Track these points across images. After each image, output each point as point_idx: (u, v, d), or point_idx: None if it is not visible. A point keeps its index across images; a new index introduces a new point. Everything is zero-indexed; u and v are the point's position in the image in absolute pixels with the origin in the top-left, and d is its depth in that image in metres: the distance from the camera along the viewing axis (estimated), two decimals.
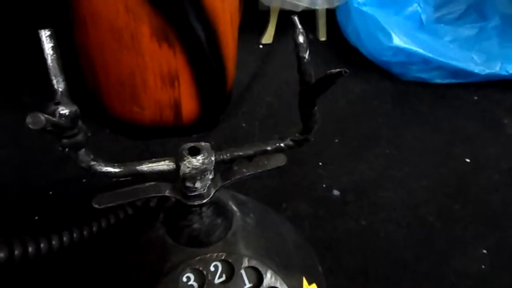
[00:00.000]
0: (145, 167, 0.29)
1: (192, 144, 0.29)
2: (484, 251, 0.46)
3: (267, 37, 0.74)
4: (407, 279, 0.43)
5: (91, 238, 0.39)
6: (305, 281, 0.34)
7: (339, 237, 0.46)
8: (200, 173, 0.29)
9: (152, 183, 0.31)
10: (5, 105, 0.57)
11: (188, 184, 0.30)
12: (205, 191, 0.31)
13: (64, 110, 0.23)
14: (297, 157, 0.53)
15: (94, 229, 0.40)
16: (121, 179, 0.29)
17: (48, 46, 0.22)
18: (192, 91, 0.50)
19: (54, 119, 0.22)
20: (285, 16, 0.75)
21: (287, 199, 0.49)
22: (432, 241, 0.46)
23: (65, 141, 0.24)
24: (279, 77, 0.68)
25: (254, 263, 0.31)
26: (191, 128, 0.53)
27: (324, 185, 0.51)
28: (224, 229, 0.34)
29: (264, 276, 0.31)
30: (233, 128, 0.57)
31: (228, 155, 0.30)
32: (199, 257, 0.31)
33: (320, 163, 0.53)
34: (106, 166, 0.28)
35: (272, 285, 0.31)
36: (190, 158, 0.29)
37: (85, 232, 0.40)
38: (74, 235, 0.39)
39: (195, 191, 0.30)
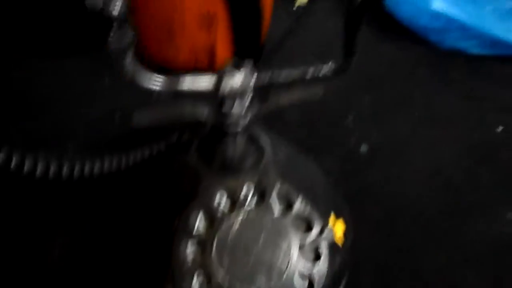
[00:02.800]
0: (187, 83, 0.30)
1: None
2: (508, 216, 0.46)
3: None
4: (429, 233, 0.43)
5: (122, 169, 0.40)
6: (333, 215, 0.34)
7: (365, 190, 0.46)
8: (239, 93, 0.29)
9: (192, 103, 0.32)
10: None
11: (226, 109, 0.31)
12: (241, 118, 0.31)
13: None
14: (327, 110, 0.53)
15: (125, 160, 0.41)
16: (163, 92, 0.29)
17: None
18: (227, 37, 0.50)
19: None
20: None
21: (314, 151, 0.49)
22: (457, 202, 0.46)
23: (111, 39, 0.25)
24: (312, 38, 0.67)
25: (285, 190, 0.32)
26: None
27: (352, 140, 0.51)
28: (256, 160, 0.34)
29: (294, 204, 0.31)
30: None
31: (267, 78, 0.30)
32: (231, 180, 0.32)
33: (350, 118, 0.53)
34: (145, 75, 0.29)
35: (302, 213, 0.31)
36: (232, 75, 0.29)
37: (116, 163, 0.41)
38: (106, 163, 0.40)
39: (231, 117, 0.31)
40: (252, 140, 0.34)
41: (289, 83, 0.31)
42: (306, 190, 0.33)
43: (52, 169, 0.36)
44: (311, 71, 0.31)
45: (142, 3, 0.48)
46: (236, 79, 0.29)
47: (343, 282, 0.34)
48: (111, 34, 0.25)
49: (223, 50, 0.54)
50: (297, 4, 0.73)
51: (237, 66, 0.29)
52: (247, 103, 0.30)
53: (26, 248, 0.40)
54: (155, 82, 0.29)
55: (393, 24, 0.70)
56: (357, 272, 0.38)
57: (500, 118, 0.56)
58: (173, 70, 0.56)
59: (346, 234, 0.35)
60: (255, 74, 0.30)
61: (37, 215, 0.42)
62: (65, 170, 0.37)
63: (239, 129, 0.31)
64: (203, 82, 0.30)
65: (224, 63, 0.57)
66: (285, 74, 0.31)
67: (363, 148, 0.50)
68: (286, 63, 0.60)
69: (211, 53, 0.53)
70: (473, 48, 0.65)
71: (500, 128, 0.55)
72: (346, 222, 0.36)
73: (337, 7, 0.75)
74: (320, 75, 0.31)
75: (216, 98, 0.30)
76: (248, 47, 0.55)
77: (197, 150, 0.35)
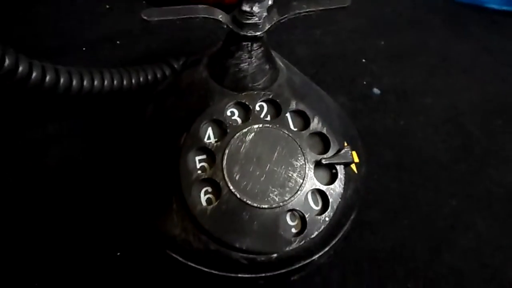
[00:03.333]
0: None
1: None
2: None
3: None
4: (440, 178, 0.42)
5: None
6: (346, 144, 0.32)
7: (376, 131, 0.44)
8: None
9: (206, 5, 0.29)
10: None
11: (245, 7, 0.28)
12: (261, 20, 0.29)
13: None
14: (340, 50, 0.51)
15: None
16: None
17: None
18: None
19: None
20: None
21: (327, 90, 0.47)
22: (470, 148, 0.45)
23: None
24: None
25: (301, 107, 0.30)
26: None
27: (365, 82, 0.49)
28: (270, 79, 0.32)
29: (311, 121, 0.29)
30: None
31: None
32: (244, 94, 0.30)
33: (363, 60, 0.51)
34: None
35: (319, 130, 0.29)
36: None
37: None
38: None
39: (251, 17, 0.28)
40: (267, 56, 0.32)
41: None
42: (321, 114, 0.31)
43: (62, 80, 0.34)
44: None
45: None
46: None
47: (354, 213, 0.33)
48: None
49: None
50: None
51: None
52: (269, 3, 0.28)
53: (24, 149, 0.38)
54: None
55: None
56: (366, 207, 0.36)
57: None
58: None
59: (359, 166, 0.33)
60: None
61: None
62: (74, 82, 0.35)
63: (258, 33, 0.29)
64: None
65: None
66: None
67: (375, 90, 0.48)
68: None
69: None
70: (490, 2, 0.63)
71: None
72: (359, 155, 0.34)
73: None
74: None
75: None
76: None
77: (206, 66, 0.33)
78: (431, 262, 0.36)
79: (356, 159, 0.33)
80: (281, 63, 0.34)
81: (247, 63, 0.31)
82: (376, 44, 0.53)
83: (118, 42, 0.47)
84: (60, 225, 0.34)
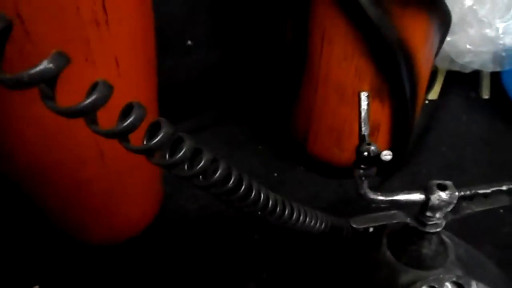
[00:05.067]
0: (401, 197, 0.37)
1: (439, 182, 0.37)
2: None
3: (433, 94, 0.81)
4: None
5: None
6: None
7: None
8: (444, 205, 0.36)
9: (395, 211, 0.39)
10: None
11: (429, 214, 0.37)
12: (440, 221, 0.38)
13: (374, 148, 0.32)
14: None
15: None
16: (381, 205, 0.37)
17: (364, 104, 0.32)
18: (387, 140, 0.58)
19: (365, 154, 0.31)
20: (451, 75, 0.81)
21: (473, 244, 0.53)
22: None
23: (361, 171, 0.33)
24: (448, 130, 0.73)
25: (481, 287, 0.37)
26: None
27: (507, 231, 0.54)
28: (444, 257, 0.40)
29: None
30: (413, 173, 0.63)
31: (468, 192, 0.37)
32: (433, 277, 0.38)
33: (501, 211, 0.57)
34: (374, 194, 0.37)
35: None
36: (440, 192, 0.36)
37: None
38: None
39: (433, 220, 0.37)
40: (440, 240, 0.40)
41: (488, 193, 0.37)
42: (488, 282, 0.38)
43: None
44: (506, 185, 0.37)
45: (322, 111, 0.58)
46: (444, 195, 0.36)
47: None
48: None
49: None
50: (429, 97, 0.80)
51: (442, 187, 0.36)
52: (448, 210, 0.37)
53: None
54: (377, 197, 0.37)
55: None
56: None
57: None
58: (335, 168, 0.64)
59: None
60: (457, 190, 0.36)
61: None
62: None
63: (438, 230, 0.37)
64: (414, 197, 0.37)
65: None
66: (484, 188, 0.37)
67: None
68: (432, 157, 0.66)
69: None
70: None
71: None
72: None
73: (466, 101, 0.81)
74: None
75: (420, 208, 0.37)
76: (402, 146, 0.62)
77: (387, 247, 0.42)
78: None
79: None
80: (447, 239, 0.42)
81: (427, 249, 0.39)
82: None
83: None
84: None
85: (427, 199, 0.36)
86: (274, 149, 0.66)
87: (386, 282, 0.40)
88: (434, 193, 0.36)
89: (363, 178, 0.35)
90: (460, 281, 0.37)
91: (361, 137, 0.34)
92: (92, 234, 0.48)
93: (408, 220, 0.38)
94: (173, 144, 0.23)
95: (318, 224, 0.40)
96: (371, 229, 0.38)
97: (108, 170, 0.41)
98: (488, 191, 0.37)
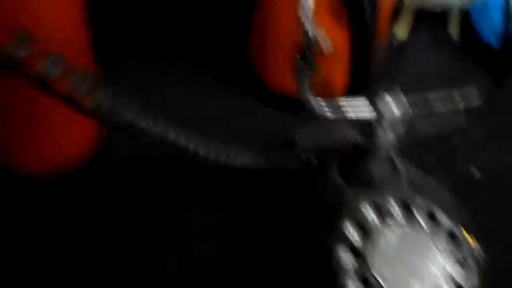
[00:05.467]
0: (347, 104, 0.34)
1: (391, 95, 0.34)
2: None
3: (402, 33, 0.77)
4: None
5: None
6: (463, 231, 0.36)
7: (486, 213, 0.47)
8: (396, 123, 0.33)
9: (344, 128, 0.36)
10: None
11: (380, 133, 0.34)
12: (393, 143, 0.35)
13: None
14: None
15: None
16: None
17: None
18: (345, 68, 0.55)
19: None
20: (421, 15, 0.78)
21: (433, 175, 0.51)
22: None
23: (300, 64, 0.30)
24: (416, 70, 0.70)
25: (432, 208, 0.35)
26: None
27: (468, 164, 0.52)
28: (395, 181, 0.38)
29: (436, 217, 0.34)
30: None
31: (422, 109, 0.34)
32: (377, 194, 0.35)
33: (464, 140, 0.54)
34: (315, 99, 0.33)
35: (450, 229, 0.34)
36: (392, 108, 0.33)
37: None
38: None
39: (385, 141, 0.35)
40: (392, 163, 0.38)
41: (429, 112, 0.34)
42: (439, 206, 0.36)
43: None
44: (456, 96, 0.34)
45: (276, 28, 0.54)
46: (395, 109, 0.33)
47: None
48: None
49: (340, 79, 0.59)
50: (396, 36, 0.77)
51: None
52: (402, 130, 0.34)
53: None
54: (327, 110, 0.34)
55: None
56: None
57: None
58: (292, 100, 0.61)
59: (478, 250, 0.37)
60: (408, 103, 0.33)
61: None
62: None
63: (389, 152, 0.35)
64: (365, 113, 0.34)
65: (340, 91, 0.62)
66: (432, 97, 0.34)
67: (474, 170, 0.52)
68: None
69: (329, 83, 0.58)
70: None
71: None
72: (477, 239, 0.38)
73: (435, 41, 0.78)
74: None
75: (372, 125, 0.34)
76: (362, 77, 0.59)
77: (337, 171, 0.39)
78: None
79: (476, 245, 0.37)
80: (400, 164, 0.40)
81: (377, 172, 0.37)
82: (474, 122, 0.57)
83: None
84: None
85: (378, 114, 0.33)
86: (229, 82, 0.62)
87: (333, 206, 0.37)
88: (385, 105, 0.33)
89: (304, 74, 0.31)
90: (404, 197, 0.35)
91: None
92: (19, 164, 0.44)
93: (358, 139, 0.36)
94: None
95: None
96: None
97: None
98: (444, 109, 0.34)
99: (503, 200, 0.49)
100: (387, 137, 0.34)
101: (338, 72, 0.56)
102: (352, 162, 0.38)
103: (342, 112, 0.34)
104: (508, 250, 0.44)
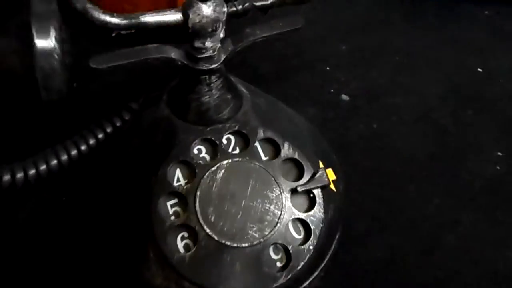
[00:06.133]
0: (149, 17, 0.26)
1: None
2: (499, 153, 0.44)
3: None
4: (421, 176, 0.41)
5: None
6: (321, 164, 0.31)
7: (351, 139, 0.44)
8: (210, 23, 0.26)
9: (156, 44, 0.28)
10: None
11: (197, 43, 0.27)
12: (215, 53, 0.28)
13: None
14: (303, 61, 0.50)
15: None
16: (122, 32, 0.26)
17: None
18: None
19: None
20: None
21: (295, 103, 0.46)
22: (446, 143, 0.45)
23: None
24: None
25: (270, 134, 0.29)
26: None
27: (332, 90, 0.48)
28: (234, 107, 0.31)
29: (281, 147, 0.28)
30: None
31: (240, 6, 0.27)
32: (210, 128, 0.29)
33: (328, 68, 0.50)
34: (104, 14, 0.25)
35: (290, 156, 0.28)
36: (200, 4, 0.25)
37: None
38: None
39: (204, 51, 0.27)
40: (228, 85, 0.31)
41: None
42: (291, 137, 0.31)
43: None
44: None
45: None
46: (205, 8, 0.25)
47: (339, 232, 0.32)
48: None
49: None
50: None
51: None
52: (220, 35, 0.27)
53: None
54: (111, 19, 0.25)
55: None
56: (350, 222, 0.36)
57: (479, 59, 0.54)
58: None
59: (336, 182, 0.33)
60: (225, 4, 0.26)
61: None
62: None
63: (214, 66, 0.28)
64: (168, 16, 0.26)
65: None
66: None
67: (344, 97, 0.48)
68: None
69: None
70: None
71: (480, 69, 0.53)
72: (336, 171, 0.33)
73: None
74: None
75: (186, 33, 0.26)
76: None
77: (168, 101, 0.31)
78: (424, 266, 0.36)
79: (333, 176, 0.32)
80: (243, 89, 0.33)
81: (208, 96, 0.30)
82: (338, 50, 0.53)
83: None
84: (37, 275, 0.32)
85: (185, 16, 0.26)
86: None
87: (164, 143, 0.30)
88: (193, 6, 0.26)
89: None
90: (244, 131, 0.29)
91: None
92: None
93: (173, 55, 0.28)
94: None
95: None
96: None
97: None
98: (267, 2, 0.28)
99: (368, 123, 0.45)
100: (210, 44, 0.27)
101: None
102: (182, 91, 0.30)
103: (138, 21, 0.26)
104: (366, 179, 0.41)
